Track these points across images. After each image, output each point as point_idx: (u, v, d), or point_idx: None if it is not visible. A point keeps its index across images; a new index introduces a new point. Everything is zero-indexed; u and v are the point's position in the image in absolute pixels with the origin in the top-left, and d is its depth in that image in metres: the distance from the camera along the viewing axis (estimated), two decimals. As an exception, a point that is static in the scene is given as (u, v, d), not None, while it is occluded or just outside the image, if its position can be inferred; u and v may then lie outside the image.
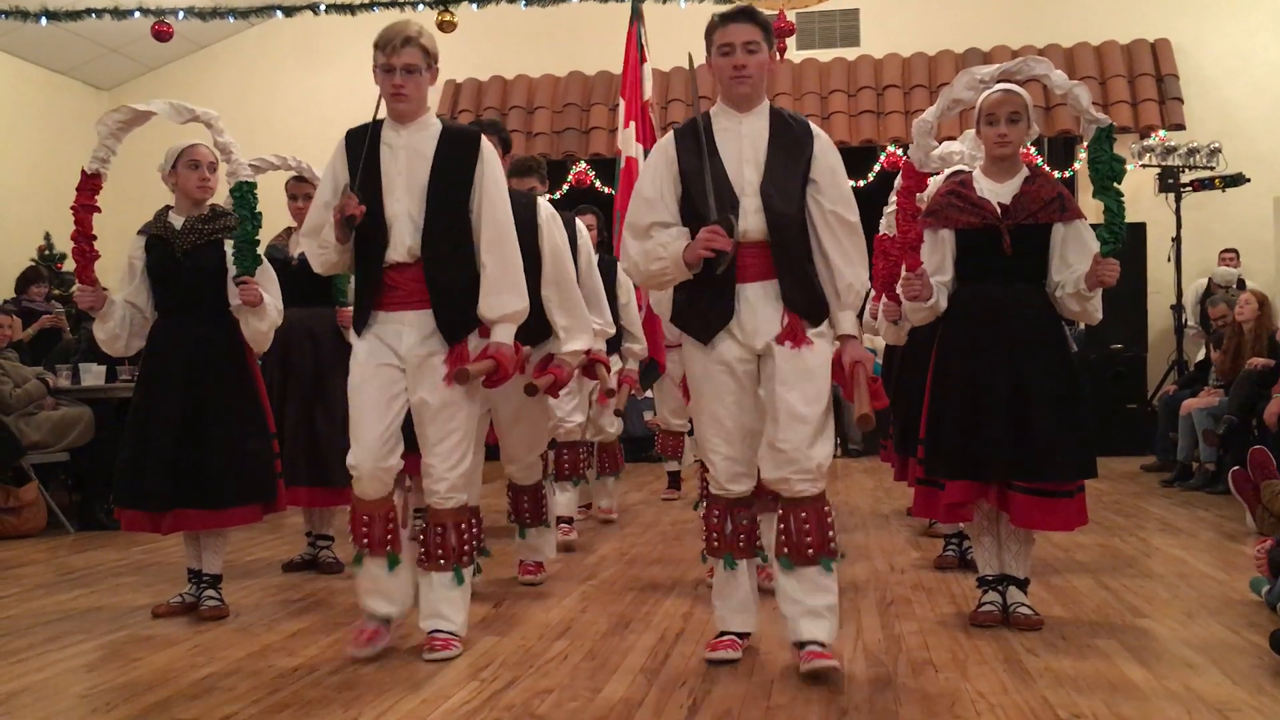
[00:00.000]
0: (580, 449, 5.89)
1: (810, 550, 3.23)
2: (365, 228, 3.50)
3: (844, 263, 3.30)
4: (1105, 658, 3.41)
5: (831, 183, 3.31)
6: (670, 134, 3.43)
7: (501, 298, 3.53)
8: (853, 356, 3.27)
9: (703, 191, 3.23)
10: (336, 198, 3.53)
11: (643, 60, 8.56)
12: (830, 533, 3.27)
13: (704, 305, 3.32)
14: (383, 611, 3.62)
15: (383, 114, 3.60)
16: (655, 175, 3.36)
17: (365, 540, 3.57)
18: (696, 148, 3.30)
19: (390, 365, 3.52)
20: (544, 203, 4.49)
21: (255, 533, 5.88)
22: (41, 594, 4.76)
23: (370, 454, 3.49)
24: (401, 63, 3.49)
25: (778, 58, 3.33)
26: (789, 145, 3.31)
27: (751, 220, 3.25)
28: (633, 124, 8.38)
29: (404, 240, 3.49)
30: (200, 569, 4.30)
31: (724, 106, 3.37)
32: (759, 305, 3.28)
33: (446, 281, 3.50)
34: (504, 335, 3.54)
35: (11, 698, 3.25)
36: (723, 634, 3.47)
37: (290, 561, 5.18)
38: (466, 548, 3.63)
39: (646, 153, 6.51)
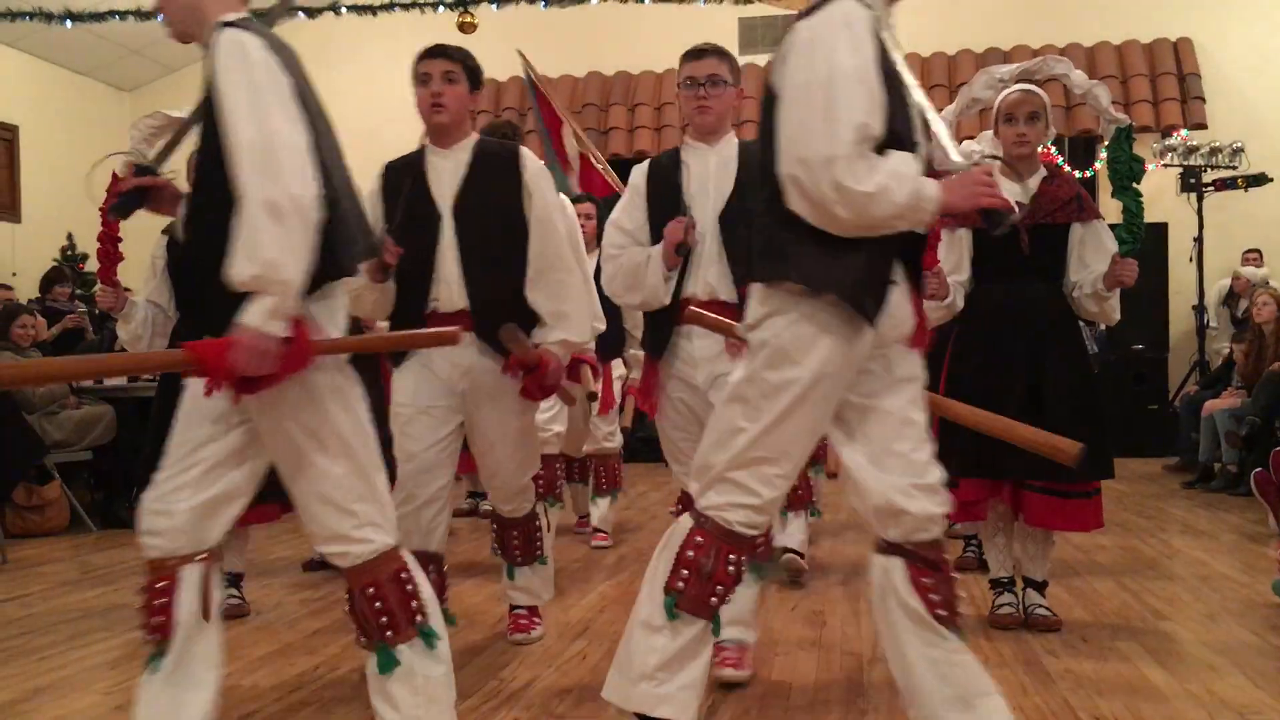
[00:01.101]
0: (557, 463, 5.13)
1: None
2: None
3: None
4: (1126, 660, 3.40)
5: None
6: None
7: (247, 250, 2.19)
8: None
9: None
10: None
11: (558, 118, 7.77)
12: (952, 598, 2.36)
13: (874, 262, 2.27)
14: None
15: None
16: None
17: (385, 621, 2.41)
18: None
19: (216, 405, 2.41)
20: (530, 155, 3.42)
21: (276, 531, 5.91)
22: (64, 592, 4.80)
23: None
24: None
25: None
26: None
27: None
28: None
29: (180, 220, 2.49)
30: (221, 567, 4.32)
31: None
32: (899, 290, 2.36)
33: (207, 253, 2.31)
34: (255, 314, 2.22)
35: (35, 694, 3.28)
36: None
37: (310, 560, 5.19)
38: (385, 620, 2.40)
39: (600, 200, 5.75)
